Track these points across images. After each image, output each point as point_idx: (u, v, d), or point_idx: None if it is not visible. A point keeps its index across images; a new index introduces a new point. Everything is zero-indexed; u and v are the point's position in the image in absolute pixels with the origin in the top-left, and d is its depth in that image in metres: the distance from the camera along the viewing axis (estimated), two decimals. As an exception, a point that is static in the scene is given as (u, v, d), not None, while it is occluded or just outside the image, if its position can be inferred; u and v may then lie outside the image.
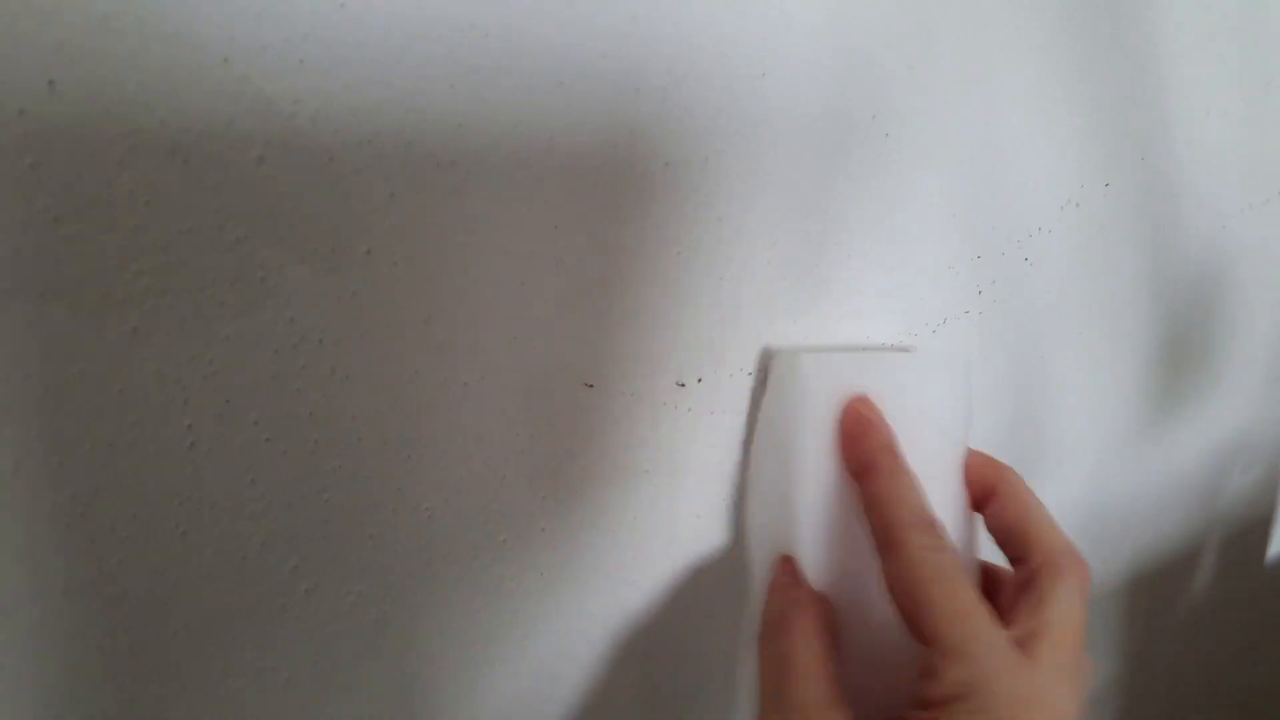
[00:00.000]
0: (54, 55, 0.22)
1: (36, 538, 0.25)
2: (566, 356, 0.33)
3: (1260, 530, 0.82)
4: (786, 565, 0.35)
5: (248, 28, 0.24)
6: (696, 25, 0.32)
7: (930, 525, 0.32)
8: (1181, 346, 0.60)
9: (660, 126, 0.32)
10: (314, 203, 0.27)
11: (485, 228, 0.30)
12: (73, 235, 0.23)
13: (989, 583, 0.37)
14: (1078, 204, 0.47)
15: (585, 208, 0.31)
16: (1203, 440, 0.68)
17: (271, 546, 0.29)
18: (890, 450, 0.34)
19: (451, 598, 0.33)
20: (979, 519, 0.38)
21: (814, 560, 0.35)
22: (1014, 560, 0.36)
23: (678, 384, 0.36)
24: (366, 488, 0.30)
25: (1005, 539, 0.36)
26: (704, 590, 0.41)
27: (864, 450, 0.34)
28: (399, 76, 0.27)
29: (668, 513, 0.38)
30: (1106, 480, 0.61)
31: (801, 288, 0.38)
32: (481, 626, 0.34)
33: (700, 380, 0.37)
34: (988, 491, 0.37)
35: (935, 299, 0.44)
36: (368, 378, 0.29)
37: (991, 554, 0.37)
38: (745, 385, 0.39)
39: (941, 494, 0.35)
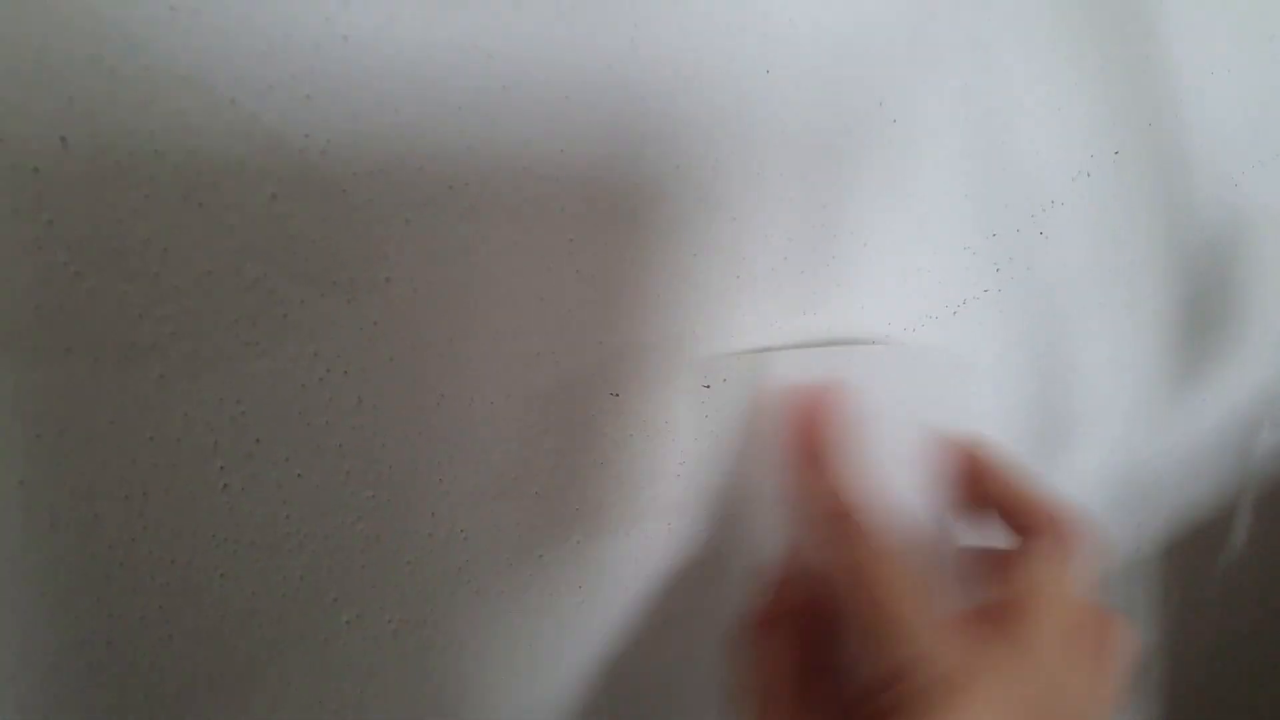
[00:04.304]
0: (66, 111, 0.22)
1: (76, 591, 0.25)
2: (590, 367, 0.33)
3: (1293, 486, 0.82)
4: (768, 573, 0.35)
5: (253, 67, 0.24)
6: (698, 28, 0.32)
7: (841, 516, 0.31)
8: (1202, 307, 0.60)
9: (668, 131, 0.32)
10: (330, 235, 0.27)
11: (502, 246, 0.30)
12: (93, 288, 0.23)
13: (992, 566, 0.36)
14: (1089, 174, 0.47)
15: (599, 218, 0.31)
16: (1230, 400, 0.68)
17: (310, 580, 0.29)
18: (818, 444, 0.33)
19: (493, 617, 0.33)
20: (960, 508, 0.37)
21: (787, 560, 0.35)
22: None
23: (703, 386, 0.36)
24: (400, 514, 0.30)
25: (1001, 518, 0.35)
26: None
27: (794, 444, 0.34)
28: (406, 103, 0.27)
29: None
30: (1136, 447, 0.61)
31: (819, 279, 0.38)
32: (524, 644, 0.34)
33: (725, 380, 0.37)
34: (972, 476, 0.36)
35: (953, 280, 0.43)
36: (394, 405, 0.29)
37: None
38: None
39: (908, 484, 0.35)
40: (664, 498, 0.36)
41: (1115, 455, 0.60)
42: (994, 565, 0.33)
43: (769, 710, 0.31)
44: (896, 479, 0.35)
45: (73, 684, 0.26)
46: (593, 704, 0.38)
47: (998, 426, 0.50)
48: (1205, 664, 0.82)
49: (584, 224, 0.31)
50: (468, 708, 0.34)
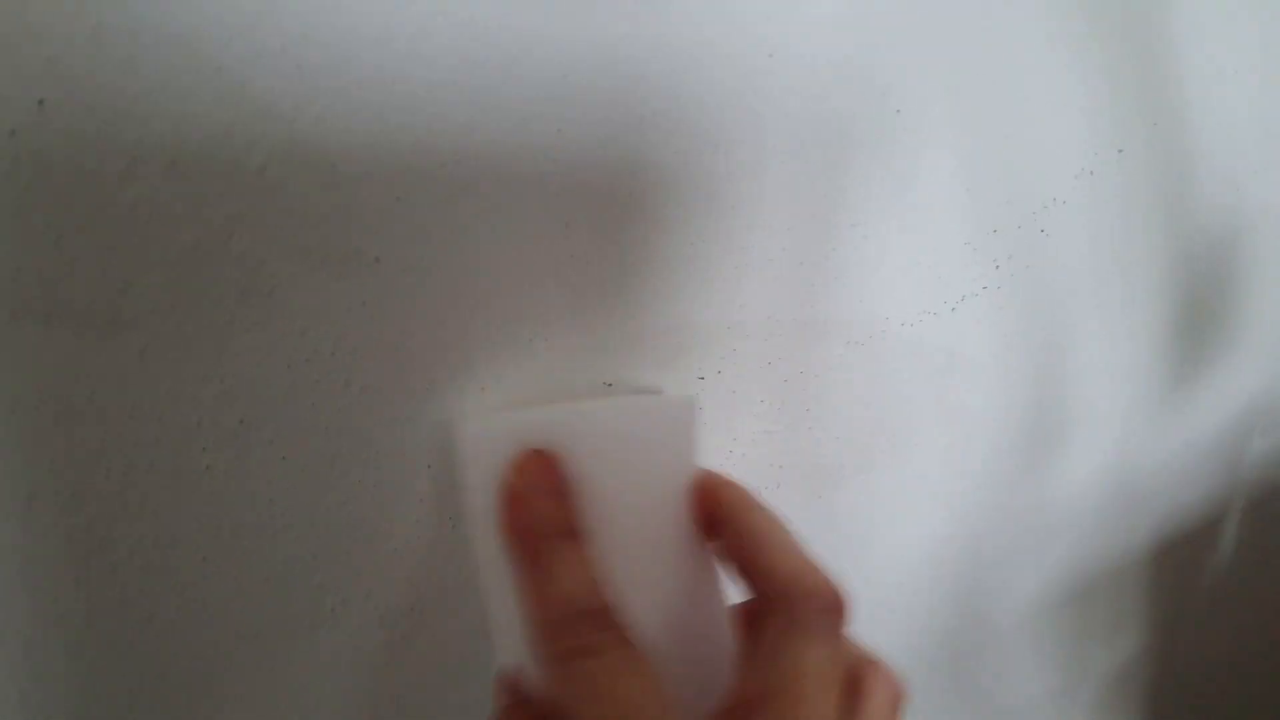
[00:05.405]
0: (44, 72, 0.21)
1: (55, 568, 0.24)
2: (584, 354, 0.32)
3: (1283, 493, 0.81)
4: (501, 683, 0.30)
5: (243, 33, 0.23)
6: (701, 9, 0.31)
7: (566, 627, 0.27)
8: (1199, 311, 0.59)
9: (669, 113, 0.31)
10: (321, 210, 0.26)
11: (496, 227, 0.29)
12: (75, 255, 0.23)
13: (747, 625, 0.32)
14: (1092, 172, 0.47)
15: (596, 201, 0.31)
16: (1223, 405, 0.67)
17: (294, 565, 0.29)
18: (543, 528, 0.28)
19: (479, 607, 0.33)
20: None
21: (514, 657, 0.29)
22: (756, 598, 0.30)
23: (698, 378, 0.35)
24: (388, 500, 0.30)
25: (741, 575, 0.30)
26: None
27: (514, 531, 0.29)
28: (401, 77, 0.26)
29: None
30: (1129, 449, 0.60)
31: (818, 271, 0.38)
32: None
33: (720, 373, 0.36)
34: (716, 521, 0.32)
35: (952, 276, 0.43)
36: (384, 388, 0.28)
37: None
38: (765, 375, 0.38)
39: (656, 543, 0.32)
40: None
41: (1108, 457, 0.59)
42: (747, 634, 0.30)
43: None
44: (643, 537, 0.31)
45: (49, 661, 0.25)
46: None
47: (992, 424, 0.50)
48: (1193, 666, 0.82)
49: (580, 207, 0.30)
50: (452, 697, 0.33)
